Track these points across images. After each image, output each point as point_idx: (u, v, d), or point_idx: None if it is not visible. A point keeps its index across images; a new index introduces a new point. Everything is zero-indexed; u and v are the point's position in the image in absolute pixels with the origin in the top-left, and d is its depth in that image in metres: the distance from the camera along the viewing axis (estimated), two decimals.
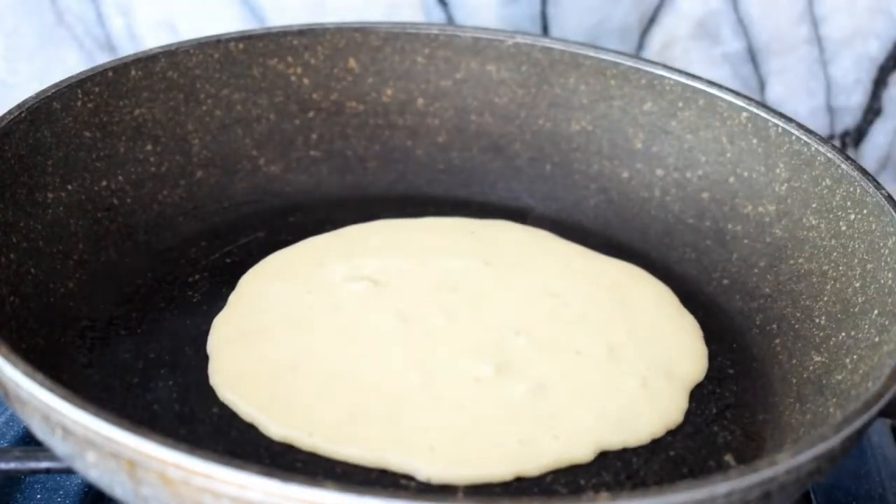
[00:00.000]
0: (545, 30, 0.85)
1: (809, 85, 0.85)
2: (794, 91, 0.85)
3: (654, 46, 0.84)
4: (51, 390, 0.45)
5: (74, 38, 0.88)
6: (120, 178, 0.67)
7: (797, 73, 0.84)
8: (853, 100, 0.85)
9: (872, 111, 0.86)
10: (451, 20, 0.86)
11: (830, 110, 0.85)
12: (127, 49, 0.79)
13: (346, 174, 0.74)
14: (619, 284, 0.67)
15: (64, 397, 0.45)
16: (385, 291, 0.64)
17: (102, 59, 0.71)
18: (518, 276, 0.66)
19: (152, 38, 0.87)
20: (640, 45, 0.84)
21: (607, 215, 0.73)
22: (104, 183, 0.66)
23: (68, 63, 0.85)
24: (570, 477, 0.55)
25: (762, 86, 0.85)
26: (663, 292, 0.67)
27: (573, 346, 0.61)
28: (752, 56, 0.83)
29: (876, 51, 0.84)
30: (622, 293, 0.66)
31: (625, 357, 0.61)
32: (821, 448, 0.46)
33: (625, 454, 0.56)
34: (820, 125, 0.87)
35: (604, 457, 0.56)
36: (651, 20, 0.83)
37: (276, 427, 0.55)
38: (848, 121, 0.88)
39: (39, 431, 0.48)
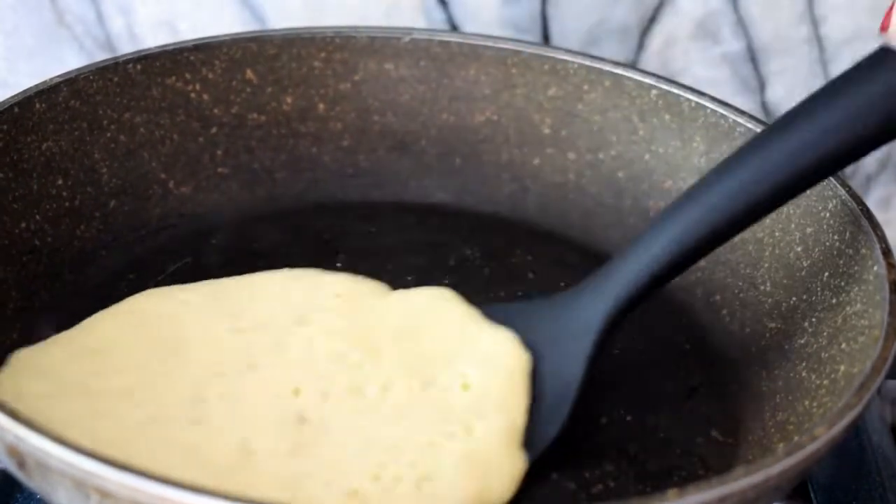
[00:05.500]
0: (545, 30, 0.84)
1: (809, 85, 0.86)
2: (794, 91, 0.86)
3: (654, 47, 0.84)
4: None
5: (74, 38, 0.85)
6: (37, 217, 0.64)
7: (797, 73, 0.85)
8: None
9: None
10: (451, 21, 0.85)
11: None
12: (127, 49, 0.76)
13: (257, 188, 0.73)
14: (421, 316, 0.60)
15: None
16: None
17: (102, 58, 0.69)
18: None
19: (152, 38, 0.85)
20: (640, 45, 0.84)
21: (524, 204, 0.73)
22: (23, 224, 0.63)
23: (68, 63, 0.82)
24: (573, 470, 0.55)
25: (762, 86, 0.86)
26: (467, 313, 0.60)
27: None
28: (752, 56, 0.84)
29: None
30: (424, 322, 0.60)
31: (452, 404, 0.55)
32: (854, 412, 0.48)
33: (617, 440, 0.57)
34: None
35: (601, 446, 0.57)
36: (651, 20, 0.83)
37: None
38: None
39: (66, 499, 0.45)
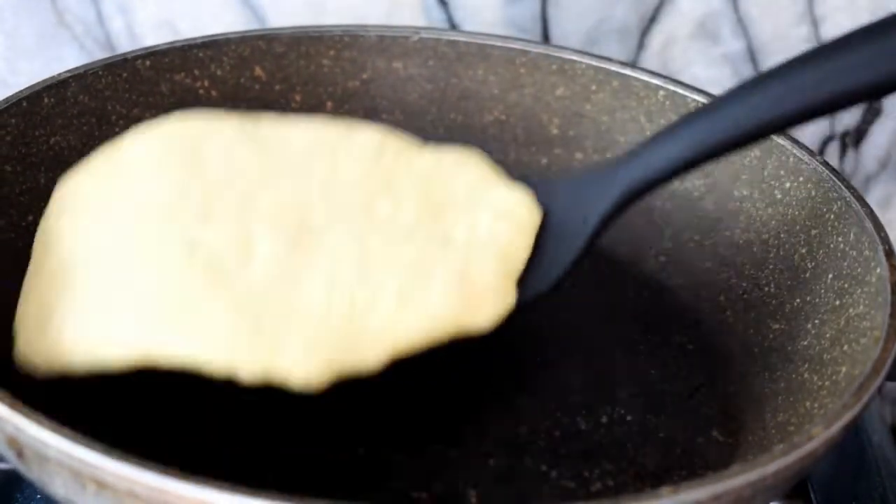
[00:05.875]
0: (545, 30, 0.84)
1: None
2: None
3: (654, 47, 0.84)
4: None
5: (74, 38, 0.86)
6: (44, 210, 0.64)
7: None
8: None
9: (872, 111, 0.87)
10: (451, 21, 0.85)
11: None
12: (127, 49, 0.77)
13: None
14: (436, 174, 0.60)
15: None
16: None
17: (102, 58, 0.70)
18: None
19: (152, 38, 0.85)
20: (641, 45, 0.84)
21: None
22: (30, 218, 0.63)
23: (68, 63, 0.82)
24: (573, 468, 0.55)
25: None
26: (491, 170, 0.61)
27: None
28: (752, 56, 0.84)
29: None
30: (446, 172, 0.60)
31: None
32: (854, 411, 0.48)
33: (617, 440, 0.57)
34: (820, 126, 0.88)
35: (601, 446, 0.57)
36: (651, 20, 0.83)
37: None
38: (848, 121, 0.88)
39: (63, 489, 0.46)
